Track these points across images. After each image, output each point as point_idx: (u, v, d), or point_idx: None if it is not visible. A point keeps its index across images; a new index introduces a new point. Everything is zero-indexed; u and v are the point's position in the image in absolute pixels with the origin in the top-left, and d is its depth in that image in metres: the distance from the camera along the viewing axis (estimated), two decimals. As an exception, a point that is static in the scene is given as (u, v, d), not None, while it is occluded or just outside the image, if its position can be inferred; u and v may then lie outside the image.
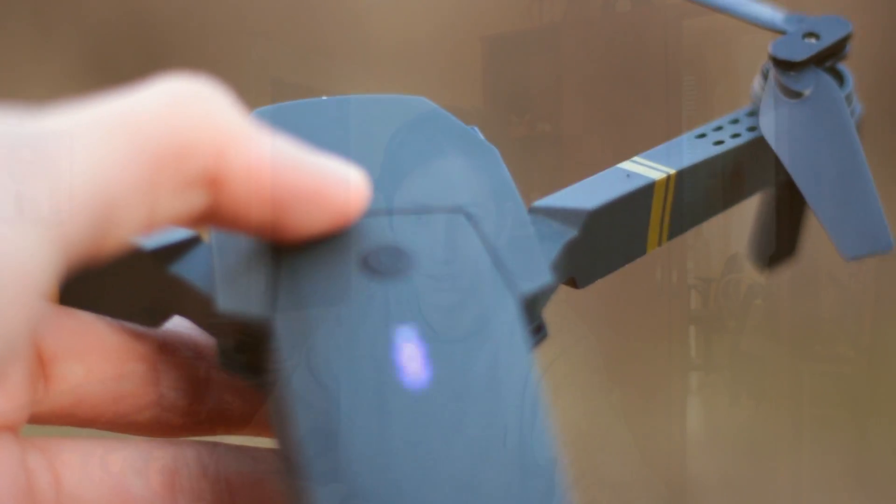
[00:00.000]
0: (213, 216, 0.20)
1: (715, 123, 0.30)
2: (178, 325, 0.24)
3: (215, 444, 0.24)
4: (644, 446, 1.21)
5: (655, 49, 1.38)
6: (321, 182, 0.21)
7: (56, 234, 0.18)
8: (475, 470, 0.19)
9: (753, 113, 0.30)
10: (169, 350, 0.24)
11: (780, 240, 0.33)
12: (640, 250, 0.28)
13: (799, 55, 0.29)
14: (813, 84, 0.29)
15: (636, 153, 0.29)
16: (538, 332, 0.23)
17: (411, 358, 0.20)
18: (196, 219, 0.20)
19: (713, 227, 1.41)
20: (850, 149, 0.28)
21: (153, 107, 0.19)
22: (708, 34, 1.39)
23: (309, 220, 0.21)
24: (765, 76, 0.30)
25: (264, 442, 0.24)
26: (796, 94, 0.29)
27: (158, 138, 0.19)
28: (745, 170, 0.29)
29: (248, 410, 0.24)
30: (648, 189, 0.27)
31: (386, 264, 0.22)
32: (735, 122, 0.30)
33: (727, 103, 1.30)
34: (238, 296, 0.21)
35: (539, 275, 0.22)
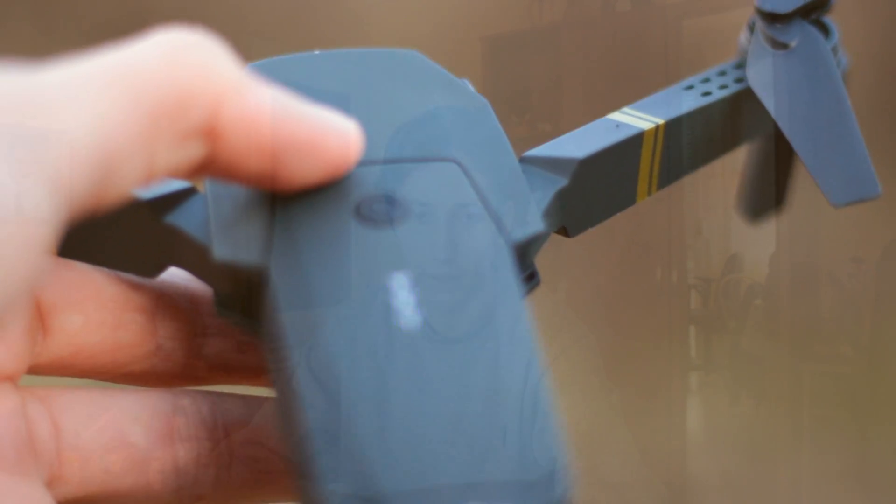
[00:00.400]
0: (210, 166, 0.21)
1: (702, 75, 0.30)
2: (174, 275, 0.24)
3: (212, 393, 0.24)
4: (644, 446, 1.21)
5: (655, 49, 1.38)
6: (316, 132, 0.21)
7: (58, 187, 0.18)
8: (471, 412, 0.19)
9: (741, 65, 0.30)
10: (166, 300, 0.24)
11: (768, 192, 0.34)
12: (630, 199, 0.28)
13: (784, 7, 0.30)
14: (799, 35, 0.30)
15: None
16: (531, 279, 0.23)
17: (407, 303, 0.21)
18: (193, 169, 0.20)
19: (713, 227, 1.41)
20: (837, 98, 0.28)
21: (151, 58, 0.20)
22: (708, 34, 1.39)
23: (304, 169, 0.21)
24: (751, 29, 0.31)
25: (261, 391, 0.24)
26: (783, 46, 0.29)
27: (157, 90, 0.19)
28: (732, 120, 0.30)
29: (244, 360, 0.25)
30: (637, 139, 0.27)
31: (379, 212, 0.22)
32: (722, 73, 0.30)
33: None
34: (233, 244, 0.21)
35: (531, 222, 0.23)
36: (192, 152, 0.20)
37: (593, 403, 1.14)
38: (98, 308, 0.23)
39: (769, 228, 1.23)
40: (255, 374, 0.25)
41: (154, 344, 0.24)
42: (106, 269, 0.24)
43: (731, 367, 1.36)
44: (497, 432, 0.19)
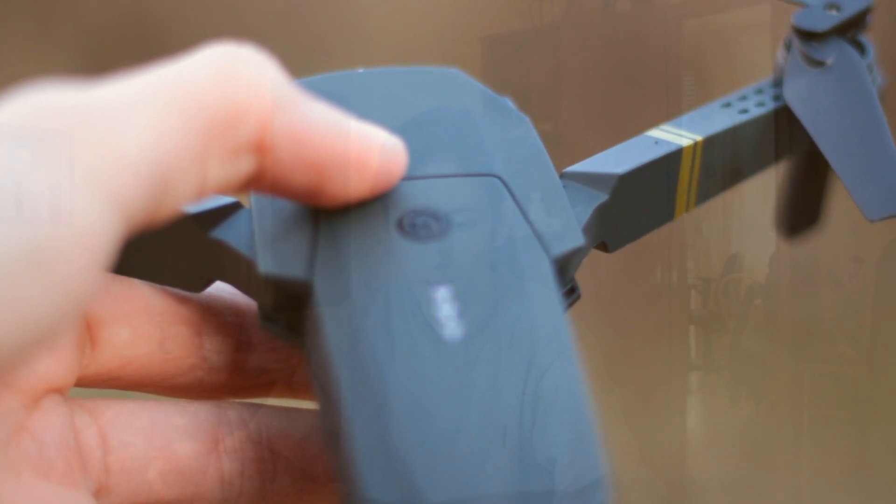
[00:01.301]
0: (258, 181, 0.21)
1: (740, 93, 0.31)
2: (219, 290, 0.24)
3: (257, 406, 0.24)
4: (643, 446, 1.21)
5: (655, 49, 1.37)
6: (363, 148, 0.21)
7: (119, 204, 0.18)
8: (514, 423, 0.19)
9: (777, 83, 0.31)
10: (211, 314, 0.24)
11: (805, 209, 0.35)
12: (669, 215, 0.28)
13: (821, 26, 0.30)
14: (835, 53, 0.30)
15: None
16: (571, 293, 0.24)
17: (449, 316, 0.21)
18: (242, 184, 0.21)
19: (713, 227, 1.41)
20: (873, 114, 0.29)
21: (203, 74, 0.20)
22: (708, 34, 1.39)
23: (350, 185, 0.22)
24: (787, 47, 0.31)
25: (305, 404, 0.24)
26: (819, 63, 0.30)
27: (210, 106, 0.20)
28: (769, 137, 0.30)
29: (289, 374, 0.25)
30: (676, 155, 0.28)
31: (423, 227, 0.22)
32: (759, 91, 0.31)
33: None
34: (278, 258, 0.22)
35: (572, 237, 0.23)
36: (242, 167, 0.21)
37: (594, 403, 1.14)
38: (145, 321, 0.23)
39: (769, 228, 1.23)
40: (298, 387, 0.25)
41: (200, 357, 0.24)
42: (152, 283, 0.24)
43: (731, 367, 1.36)
44: (540, 443, 0.19)
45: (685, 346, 1.38)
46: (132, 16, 1.27)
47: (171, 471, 0.23)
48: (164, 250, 0.23)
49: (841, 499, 1.22)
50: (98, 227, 0.17)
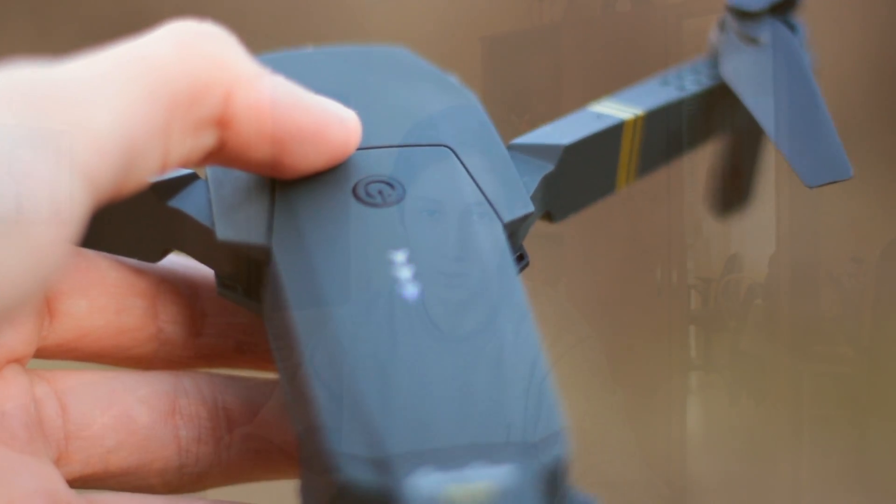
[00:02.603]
0: (219, 154, 0.21)
1: (677, 71, 0.32)
2: (173, 262, 0.25)
3: (212, 374, 0.25)
4: (644, 446, 1.21)
5: (655, 49, 1.37)
6: (321, 121, 0.22)
7: (86, 179, 0.18)
8: (474, 379, 0.20)
9: (712, 62, 0.32)
10: (166, 285, 0.24)
11: (736, 189, 0.36)
12: (611, 187, 0.29)
13: (755, 5, 0.32)
14: (769, 31, 0.31)
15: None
16: (521, 260, 0.24)
17: (408, 277, 0.21)
18: (204, 158, 0.21)
19: (713, 227, 1.41)
20: (808, 88, 0.30)
21: (167, 50, 0.20)
22: (708, 34, 1.39)
23: (308, 157, 0.22)
24: (721, 28, 0.32)
25: (258, 374, 0.25)
26: (754, 41, 0.31)
27: (174, 81, 0.20)
28: (705, 114, 0.31)
29: (244, 345, 0.25)
30: (618, 128, 0.28)
31: (378, 194, 0.23)
32: (696, 70, 0.32)
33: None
34: (236, 225, 0.22)
35: (522, 204, 0.23)
36: (205, 141, 0.21)
37: (596, 403, 1.15)
38: (102, 293, 0.24)
39: (769, 228, 1.23)
40: (252, 358, 0.26)
41: (155, 328, 0.24)
42: (109, 255, 0.24)
43: (731, 367, 1.36)
44: (499, 398, 0.20)
45: (685, 346, 1.38)
46: (132, 15, 1.27)
47: (130, 438, 0.23)
48: (121, 220, 0.23)
49: (840, 498, 1.22)
50: (68, 200, 0.18)
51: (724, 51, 0.32)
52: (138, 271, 0.24)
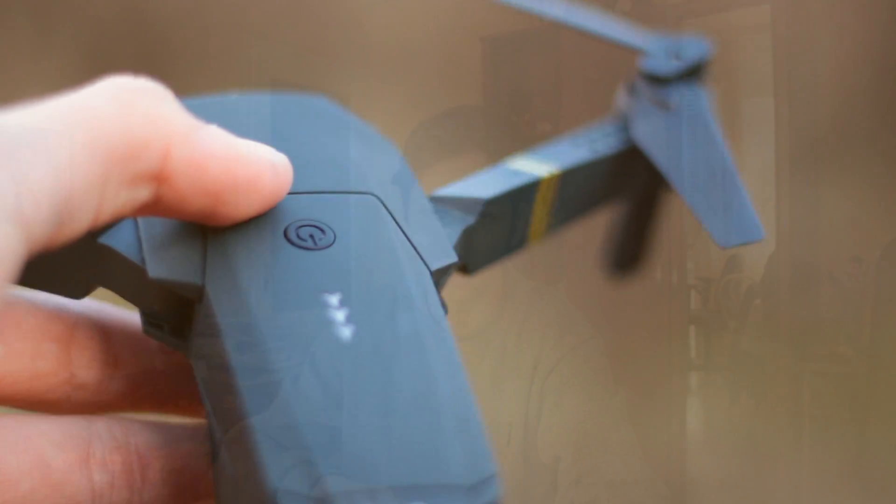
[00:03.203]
0: (154, 207, 0.22)
1: (588, 133, 0.32)
2: (89, 306, 0.25)
3: (125, 419, 0.25)
4: (644, 445, 1.21)
5: (655, 49, 1.37)
6: (255, 171, 0.22)
7: (22, 227, 0.18)
8: (408, 423, 0.20)
9: (620, 125, 0.33)
10: (82, 330, 0.25)
11: (631, 249, 0.37)
12: (523, 241, 0.30)
13: (665, 72, 0.33)
14: (678, 96, 0.32)
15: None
16: (442, 307, 0.24)
17: (340, 317, 0.22)
18: (138, 210, 0.21)
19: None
20: (718, 151, 0.31)
21: (104, 105, 0.20)
22: (708, 34, 1.39)
23: (242, 206, 0.22)
24: (630, 92, 0.33)
25: (171, 419, 0.25)
26: (665, 106, 0.32)
27: (111, 137, 0.20)
28: (613, 175, 0.32)
29: (158, 389, 0.25)
30: (535, 185, 0.29)
31: (309, 237, 0.23)
32: (606, 133, 0.33)
33: (727, 103, 1.31)
34: (169, 264, 0.22)
35: (446, 254, 0.24)
36: (140, 194, 0.21)
37: (598, 404, 1.15)
38: (19, 338, 0.24)
39: (769, 228, 1.23)
40: (166, 402, 0.26)
41: (69, 373, 0.24)
42: (26, 299, 0.24)
43: (731, 367, 1.36)
44: (435, 440, 0.20)
45: (685, 346, 1.38)
46: (132, 16, 1.27)
47: (44, 482, 0.23)
48: (47, 256, 0.23)
49: (840, 498, 1.22)
50: (4, 248, 0.18)
51: (636, 114, 0.33)
52: (54, 315, 0.24)
